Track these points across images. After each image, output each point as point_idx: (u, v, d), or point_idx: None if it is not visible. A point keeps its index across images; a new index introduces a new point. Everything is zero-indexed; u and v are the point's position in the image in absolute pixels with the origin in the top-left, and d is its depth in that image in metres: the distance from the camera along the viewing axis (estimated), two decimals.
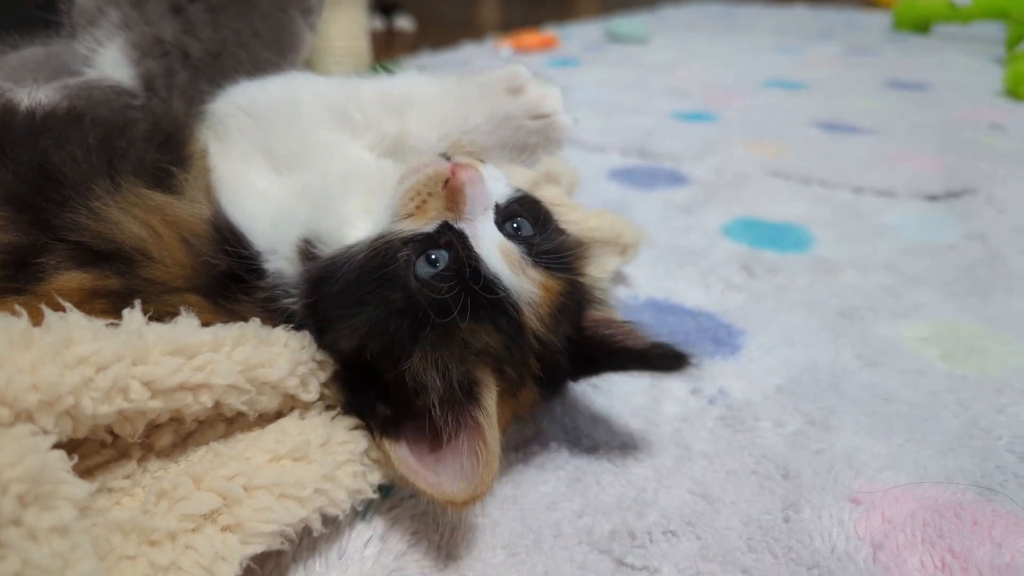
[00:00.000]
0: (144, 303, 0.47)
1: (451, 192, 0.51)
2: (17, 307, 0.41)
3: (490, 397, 0.48)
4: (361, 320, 0.49)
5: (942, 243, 1.00)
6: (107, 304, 0.48)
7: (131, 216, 0.50)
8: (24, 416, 0.37)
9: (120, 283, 0.49)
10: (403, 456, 0.50)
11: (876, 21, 3.52)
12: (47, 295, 0.46)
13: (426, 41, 2.72)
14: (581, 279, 0.57)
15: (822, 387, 0.68)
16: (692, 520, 0.53)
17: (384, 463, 0.51)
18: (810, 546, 0.50)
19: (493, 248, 0.50)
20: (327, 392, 0.53)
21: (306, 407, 0.52)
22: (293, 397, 0.51)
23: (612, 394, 0.67)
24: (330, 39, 1.68)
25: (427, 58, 2.36)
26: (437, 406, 0.47)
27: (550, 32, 2.80)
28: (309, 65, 1.68)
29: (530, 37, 2.64)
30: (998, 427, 0.62)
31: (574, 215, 0.81)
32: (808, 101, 1.85)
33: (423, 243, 0.50)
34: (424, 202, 0.51)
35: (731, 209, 1.11)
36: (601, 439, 0.61)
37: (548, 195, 0.78)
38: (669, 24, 3.40)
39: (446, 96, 0.65)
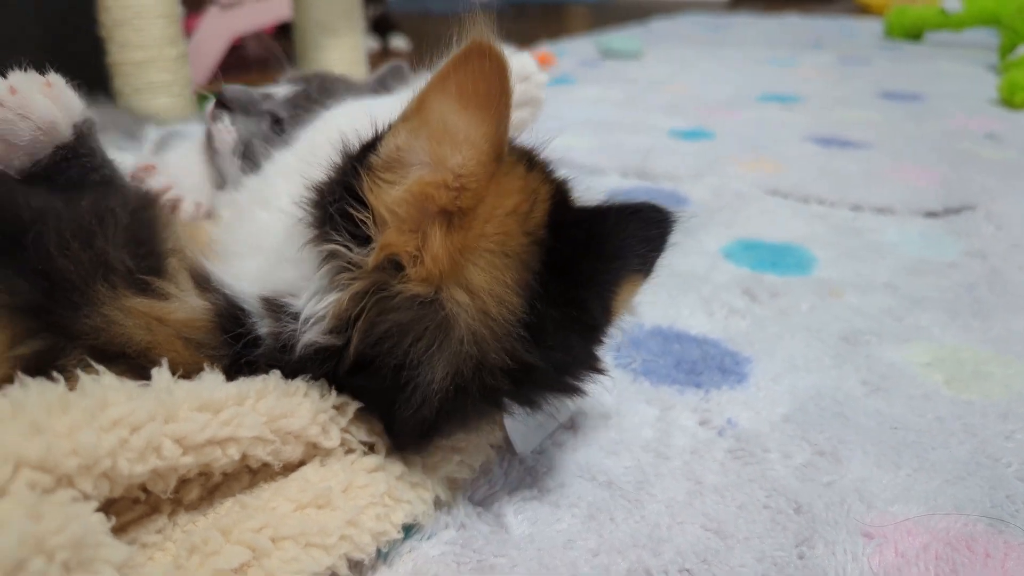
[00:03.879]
0: None
1: None
2: (55, 373, 0.42)
3: None
4: None
5: (942, 261, 1.01)
6: None
7: (133, 320, 0.51)
8: (64, 481, 0.38)
9: (134, 378, 0.49)
10: None
11: (868, 28, 3.55)
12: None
13: (422, 61, 2.73)
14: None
15: (828, 416, 0.69)
16: (707, 558, 0.53)
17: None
18: None
19: None
20: (348, 436, 0.54)
21: (327, 453, 0.53)
22: (315, 444, 0.52)
23: (622, 427, 0.68)
24: (329, 66, 1.69)
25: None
26: None
27: (545, 50, 2.81)
28: None
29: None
30: (1006, 454, 0.63)
31: None
32: (803, 115, 1.86)
33: None
34: None
35: (731, 230, 1.12)
36: (614, 474, 0.62)
37: None
38: (661, 37, 3.42)
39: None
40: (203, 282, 0.57)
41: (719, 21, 4.14)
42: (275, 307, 0.54)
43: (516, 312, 0.50)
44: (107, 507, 0.41)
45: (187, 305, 0.54)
